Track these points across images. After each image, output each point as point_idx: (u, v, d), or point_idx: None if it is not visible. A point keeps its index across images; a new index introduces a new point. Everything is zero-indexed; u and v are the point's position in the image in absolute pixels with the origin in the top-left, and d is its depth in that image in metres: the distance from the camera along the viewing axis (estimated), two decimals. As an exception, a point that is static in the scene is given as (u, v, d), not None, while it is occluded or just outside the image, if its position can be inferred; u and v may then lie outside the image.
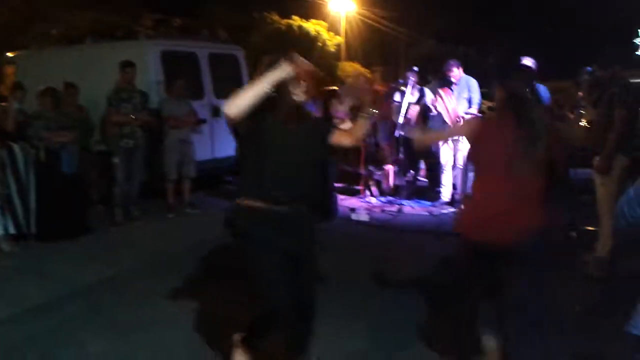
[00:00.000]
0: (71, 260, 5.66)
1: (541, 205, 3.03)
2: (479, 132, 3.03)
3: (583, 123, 7.99)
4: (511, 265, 2.93)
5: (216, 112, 8.64)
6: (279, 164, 2.84)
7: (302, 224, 2.96)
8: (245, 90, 2.69)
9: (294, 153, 2.88)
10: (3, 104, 6.69)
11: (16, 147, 6.25)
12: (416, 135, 3.37)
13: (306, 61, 2.88)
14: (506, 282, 2.96)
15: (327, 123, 3.24)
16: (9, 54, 10.47)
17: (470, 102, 7.27)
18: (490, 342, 3.02)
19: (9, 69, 10.05)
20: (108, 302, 4.59)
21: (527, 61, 6.36)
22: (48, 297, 4.70)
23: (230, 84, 9.31)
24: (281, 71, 2.73)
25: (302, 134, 2.92)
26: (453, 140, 7.33)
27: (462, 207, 3.35)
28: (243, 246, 3.00)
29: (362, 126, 3.00)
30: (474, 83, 7.37)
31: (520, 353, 3.08)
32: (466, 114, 7.19)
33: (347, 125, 9.51)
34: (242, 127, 2.82)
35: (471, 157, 3.23)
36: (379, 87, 7.53)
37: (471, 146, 3.12)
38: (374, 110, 2.94)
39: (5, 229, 6.13)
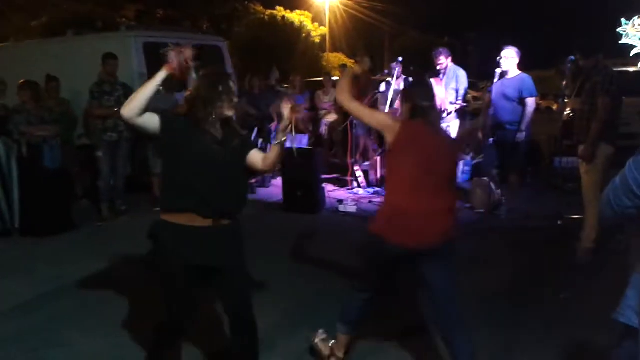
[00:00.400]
0: (57, 256, 5.60)
1: (453, 209, 3.25)
2: (401, 133, 3.05)
3: (567, 112, 8.07)
4: (432, 264, 3.12)
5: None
6: (199, 177, 2.79)
7: (223, 238, 2.89)
8: (137, 91, 2.78)
9: (216, 167, 2.82)
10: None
11: (-2, 142, 6.18)
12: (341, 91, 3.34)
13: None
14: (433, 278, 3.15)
15: (250, 142, 3.16)
16: (-12, 47, 10.28)
17: (457, 92, 7.25)
18: None
19: (-11, 63, 9.88)
20: (96, 299, 4.54)
21: (510, 50, 6.36)
22: (35, 294, 4.66)
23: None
24: (164, 72, 2.82)
25: (226, 149, 2.86)
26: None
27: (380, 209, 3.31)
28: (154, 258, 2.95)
29: (276, 153, 2.92)
30: (462, 74, 7.33)
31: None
32: (452, 104, 7.19)
33: (332, 116, 9.53)
34: (158, 140, 2.86)
35: (389, 157, 3.24)
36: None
37: (391, 146, 3.11)
38: (286, 134, 2.89)
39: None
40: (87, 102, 7.03)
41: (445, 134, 3.62)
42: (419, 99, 3.15)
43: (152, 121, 2.82)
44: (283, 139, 2.90)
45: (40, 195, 6.24)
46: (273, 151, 2.94)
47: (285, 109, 2.89)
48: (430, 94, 3.22)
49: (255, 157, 2.97)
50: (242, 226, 3.05)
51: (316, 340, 3.56)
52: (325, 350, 3.50)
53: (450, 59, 7.38)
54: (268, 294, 4.54)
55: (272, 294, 4.57)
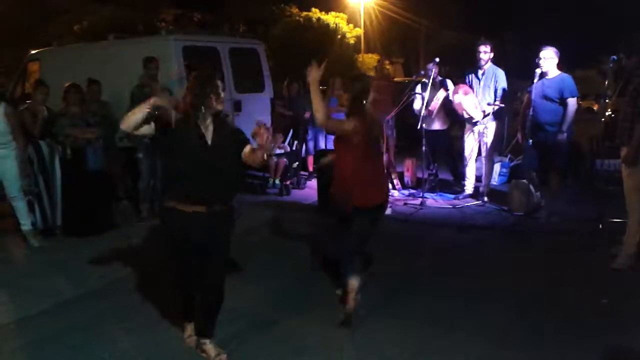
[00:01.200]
0: (99, 255, 5.71)
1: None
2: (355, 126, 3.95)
3: (608, 112, 7.90)
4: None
5: (237, 106, 8.68)
6: (192, 168, 3.34)
7: (214, 222, 3.42)
8: (132, 112, 3.30)
9: (206, 159, 3.36)
10: (28, 101, 6.77)
11: (43, 144, 6.36)
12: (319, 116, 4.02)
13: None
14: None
15: (244, 137, 3.59)
16: (33, 51, 10.58)
17: (495, 92, 7.13)
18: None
19: (33, 66, 10.17)
20: (136, 297, 4.64)
21: (549, 50, 6.25)
22: (77, 292, 4.78)
23: (251, 78, 9.38)
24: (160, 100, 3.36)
25: (219, 142, 3.42)
26: (478, 133, 7.25)
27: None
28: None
29: (262, 151, 3.40)
30: (501, 74, 7.18)
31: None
32: (489, 105, 7.09)
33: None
34: (155, 139, 3.46)
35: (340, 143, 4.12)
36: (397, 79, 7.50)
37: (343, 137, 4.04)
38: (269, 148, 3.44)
39: (34, 224, 6.26)
40: (129, 105, 7.16)
41: None
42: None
43: (147, 128, 3.35)
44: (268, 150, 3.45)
45: (82, 196, 6.39)
46: (257, 153, 3.44)
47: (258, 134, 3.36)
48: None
49: (249, 151, 3.49)
50: (234, 210, 3.62)
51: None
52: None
53: (491, 55, 7.25)
54: (299, 295, 4.57)
55: (302, 294, 4.60)
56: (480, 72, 7.22)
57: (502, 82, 7.14)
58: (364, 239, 4.14)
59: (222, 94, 3.43)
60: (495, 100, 7.10)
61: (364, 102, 4.10)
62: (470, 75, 7.38)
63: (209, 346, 3.61)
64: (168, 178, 3.54)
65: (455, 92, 7.26)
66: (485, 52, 7.15)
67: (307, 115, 8.83)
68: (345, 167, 4.07)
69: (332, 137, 9.21)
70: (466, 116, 7.20)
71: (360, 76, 4.73)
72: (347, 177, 4.03)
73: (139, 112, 3.27)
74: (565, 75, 6.28)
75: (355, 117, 4.03)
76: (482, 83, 7.17)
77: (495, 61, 7.39)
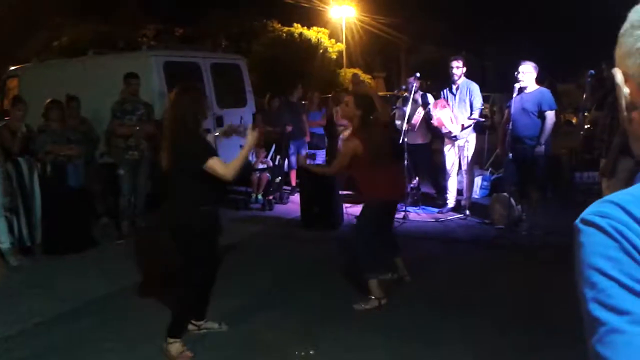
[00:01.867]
0: (78, 274, 5.66)
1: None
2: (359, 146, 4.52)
3: (586, 125, 8.02)
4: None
5: (219, 122, 8.66)
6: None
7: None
8: (238, 162, 3.77)
9: None
10: (6, 118, 6.70)
11: (21, 160, 6.28)
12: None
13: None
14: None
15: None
16: (11, 67, 10.49)
17: (472, 106, 7.20)
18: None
19: (12, 82, 10.07)
20: (116, 316, 4.58)
21: (527, 65, 6.34)
22: (57, 312, 4.70)
23: (233, 93, 9.38)
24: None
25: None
26: (458, 147, 7.31)
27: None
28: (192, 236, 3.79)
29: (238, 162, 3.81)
30: (475, 87, 7.27)
31: None
32: (469, 118, 7.16)
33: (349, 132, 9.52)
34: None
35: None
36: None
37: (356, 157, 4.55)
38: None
39: (12, 242, 6.16)
40: (110, 121, 7.13)
41: None
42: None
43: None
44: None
45: (62, 214, 6.31)
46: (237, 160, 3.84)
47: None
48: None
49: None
50: None
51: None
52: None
53: (464, 69, 7.33)
54: (284, 309, 4.55)
55: (287, 308, 4.58)
56: (454, 87, 7.29)
57: (477, 96, 7.22)
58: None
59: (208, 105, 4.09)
60: (471, 113, 7.17)
61: (371, 117, 4.70)
62: (444, 91, 7.46)
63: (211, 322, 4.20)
64: (205, 186, 3.80)
65: (434, 106, 7.33)
66: (457, 67, 7.24)
67: (289, 128, 8.84)
68: (362, 176, 4.74)
69: (313, 151, 9.31)
70: (445, 131, 7.26)
71: (367, 94, 5.42)
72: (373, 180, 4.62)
73: (244, 155, 3.88)
74: (544, 89, 6.38)
75: (364, 131, 4.58)
76: (457, 97, 7.24)
77: (474, 76, 7.47)
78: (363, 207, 4.80)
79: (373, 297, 4.58)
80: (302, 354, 3.76)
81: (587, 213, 0.78)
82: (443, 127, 7.22)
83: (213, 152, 3.76)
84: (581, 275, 0.77)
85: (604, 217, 0.76)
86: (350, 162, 4.64)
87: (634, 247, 0.72)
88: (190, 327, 4.12)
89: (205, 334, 4.13)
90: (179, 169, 3.74)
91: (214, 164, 3.66)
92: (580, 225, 0.78)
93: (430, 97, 7.90)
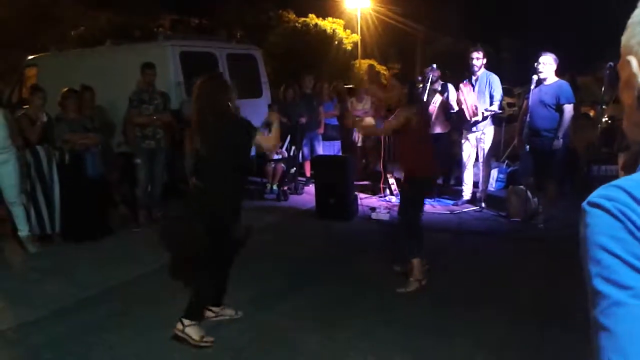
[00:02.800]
0: (96, 261, 5.72)
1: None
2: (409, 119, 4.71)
3: (605, 119, 7.93)
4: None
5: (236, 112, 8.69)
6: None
7: None
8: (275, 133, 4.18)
9: None
10: (24, 107, 6.76)
11: (40, 149, 6.34)
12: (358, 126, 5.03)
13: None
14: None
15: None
16: (30, 57, 10.58)
17: (492, 98, 7.16)
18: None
19: (30, 72, 10.17)
20: (133, 303, 4.62)
21: (548, 56, 6.27)
22: (74, 299, 4.76)
23: (248, 84, 9.39)
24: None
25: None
26: (476, 138, 7.27)
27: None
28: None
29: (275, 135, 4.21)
30: (495, 79, 7.22)
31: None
32: (486, 110, 7.12)
33: (368, 121, 9.54)
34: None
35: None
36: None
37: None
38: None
39: (30, 230, 6.24)
40: (126, 111, 7.18)
41: None
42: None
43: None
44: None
45: (80, 202, 6.38)
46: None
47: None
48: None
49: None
50: None
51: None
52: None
53: (484, 60, 7.28)
54: (298, 299, 4.57)
55: (300, 298, 4.60)
56: (474, 78, 7.24)
57: (497, 87, 7.16)
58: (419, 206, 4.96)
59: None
60: (491, 105, 7.12)
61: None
62: (464, 82, 7.41)
63: (228, 309, 4.27)
64: (232, 170, 3.93)
65: (461, 92, 7.26)
66: (477, 59, 7.18)
67: (302, 120, 8.84)
68: (408, 149, 4.87)
69: (327, 142, 9.31)
70: (472, 112, 7.16)
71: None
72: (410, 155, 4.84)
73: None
74: (563, 81, 6.31)
75: (407, 108, 4.78)
76: (476, 89, 7.19)
77: (491, 67, 7.41)
78: (408, 185, 4.95)
79: (412, 279, 4.73)
80: None
81: (594, 196, 0.83)
82: (472, 109, 7.13)
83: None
84: (587, 253, 0.82)
85: (610, 199, 0.81)
86: (397, 133, 4.89)
87: (637, 227, 0.78)
88: (208, 313, 4.16)
89: (218, 323, 4.15)
90: (217, 154, 3.89)
91: (260, 138, 4.00)
92: (587, 207, 0.83)
93: (450, 87, 7.86)
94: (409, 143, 4.83)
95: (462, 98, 7.20)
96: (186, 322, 3.82)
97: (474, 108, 7.09)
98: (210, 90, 3.85)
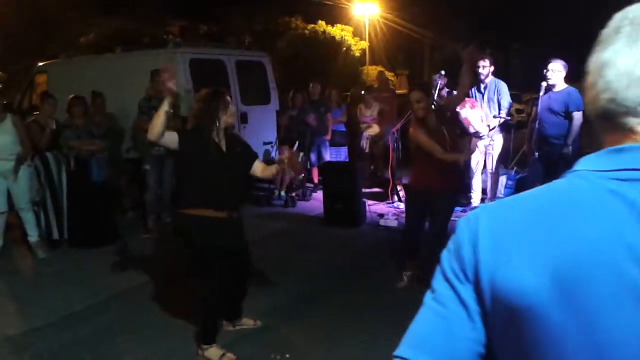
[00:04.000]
0: (105, 267, 5.73)
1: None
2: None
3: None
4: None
5: (244, 118, 8.72)
6: (214, 180, 3.62)
7: (235, 226, 3.80)
8: (154, 120, 3.51)
9: (224, 171, 3.65)
10: (35, 113, 6.81)
11: (49, 155, 6.39)
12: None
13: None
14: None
15: (252, 152, 4.00)
16: (40, 63, 10.66)
17: (499, 105, 7.14)
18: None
19: (40, 78, 10.24)
20: (142, 309, 4.64)
21: (557, 63, 6.25)
22: (83, 304, 4.78)
23: (257, 90, 9.42)
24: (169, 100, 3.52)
25: (231, 155, 3.73)
26: (484, 145, 7.25)
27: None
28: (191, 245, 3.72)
29: (273, 171, 3.98)
30: (503, 86, 7.20)
31: None
32: (495, 117, 7.10)
33: (373, 130, 9.54)
34: (178, 152, 3.65)
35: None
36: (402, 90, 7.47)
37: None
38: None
39: (40, 235, 6.28)
40: (136, 117, 7.22)
41: None
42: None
43: (171, 139, 3.58)
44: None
45: (87, 208, 6.41)
46: (272, 168, 3.97)
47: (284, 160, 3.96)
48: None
49: (257, 166, 3.91)
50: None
51: None
52: None
53: (492, 68, 7.27)
54: (305, 306, 4.56)
55: (307, 305, 4.59)
56: (482, 86, 7.23)
57: (505, 94, 7.14)
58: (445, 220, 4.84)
59: (232, 108, 3.78)
60: (499, 112, 7.10)
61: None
62: (472, 90, 7.38)
63: (245, 318, 4.24)
64: (190, 188, 3.73)
65: (462, 106, 7.23)
66: (484, 67, 7.17)
67: (312, 120, 8.82)
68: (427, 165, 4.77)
69: (334, 148, 9.30)
70: (472, 130, 7.19)
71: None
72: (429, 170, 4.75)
73: (161, 113, 3.47)
74: (572, 88, 6.28)
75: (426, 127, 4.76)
76: (485, 97, 7.17)
77: (502, 73, 7.40)
78: (451, 199, 4.99)
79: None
80: (278, 357, 3.77)
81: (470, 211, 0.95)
82: (470, 127, 7.15)
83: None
84: None
85: (468, 216, 0.92)
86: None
87: (460, 244, 0.90)
88: (228, 327, 4.17)
89: (224, 333, 4.15)
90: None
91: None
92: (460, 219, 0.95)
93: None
94: (418, 155, 4.90)
95: (465, 115, 7.14)
96: (204, 346, 3.77)
97: (474, 124, 7.07)
98: (202, 103, 3.71)
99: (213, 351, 3.75)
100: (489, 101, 7.15)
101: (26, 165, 5.98)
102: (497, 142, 7.24)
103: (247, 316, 4.26)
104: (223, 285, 3.80)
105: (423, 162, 4.83)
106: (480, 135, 7.18)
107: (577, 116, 6.13)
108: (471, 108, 7.10)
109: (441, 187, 4.72)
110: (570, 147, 6.15)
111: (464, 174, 8.05)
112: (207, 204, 3.61)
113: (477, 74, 7.20)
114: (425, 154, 4.75)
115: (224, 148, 3.70)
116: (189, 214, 3.65)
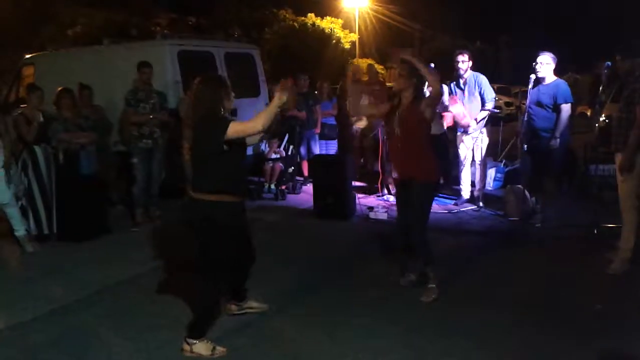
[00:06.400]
0: (93, 260, 5.71)
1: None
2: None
3: (602, 118, 7.94)
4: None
5: (233, 111, 8.67)
6: (233, 166, 3.76)
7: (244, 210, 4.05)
8: (267, 113, 3.62)
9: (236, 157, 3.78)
10: (22, 106, 6.74)
11: (37, 149, 6.33)
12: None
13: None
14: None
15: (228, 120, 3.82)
16: (27, 55, 10.56)
17: (483, 98, 7.13)
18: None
19: (27, 71, 10.14)
20: (131, 303, 4.62)
21: (546, 56, 6.26)
22: (73, 297, 4.76)
23: (246, 83, 9.37)
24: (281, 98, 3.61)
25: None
26: (472, 138, 7.26)
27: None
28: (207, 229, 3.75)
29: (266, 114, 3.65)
30: (483, 79, 7.15)
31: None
32: (482, 111, 7.10)
33: (362, 123, 9.54)
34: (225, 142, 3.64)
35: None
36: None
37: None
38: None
39: (28, 230, 6.23)
40: (123, 110, 7.17)
41: None
42: None
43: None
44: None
45: (76, 201, 6.36)
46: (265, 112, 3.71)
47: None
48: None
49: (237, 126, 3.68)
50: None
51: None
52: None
53: (470, 63, 7.19)
54: (297, 298, 4.57)
55: (299, 298, 4.60)
56: (461, 81, 7.21)
57: (487, 87, 7.12)
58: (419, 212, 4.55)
59: (232, 93, 3.84)
60: (484, 106, 7.10)
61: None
62: (452, 85, 7.37)
63: (250, 300, 4.33)
64: (220, 174, 3.71)
65: (453, 102, 7.24)
66: (463, 61, 7.13)
67: (301, 114, 8.81)
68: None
69: (324, 142, 9.28)
70: (463, 123, 7.20)
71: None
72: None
73: (273, 110, 3.62)
74: (561, 81, 6.31)
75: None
76: (465, 92, 7.16)
77: (490, 67, 7.39)
78: (426, 188, 4.55)
79: (433, 285, 4.58)
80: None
81: None
82: (462, 122, 7.16)
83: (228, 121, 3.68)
84: None
85: None
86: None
87: None
88: (234, 307, 4.26)
89: (217, 324, 4.15)
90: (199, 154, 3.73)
91: (235, 125, 3.60)
92: None
93: (444, 88, 7.84)
94: (426, 140, 4.58)
95: (455, 111, 7.16)
96: (191, 341, 3.73)
97: (462, 116, 7.09)
98: (203, 94, 3.73)
99: (202, 346, 3.73)
100: (470, 95, 7.13)
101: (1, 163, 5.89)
102: (485, 134, 7.25)
103: (252, 298, 4.33)
104: (229, 272, 4.01)
105: (393, 148, 4.68)
106: (468, 130, 7.20)
107: (565, 108, 6.16)
108: (452, 104, 7.13)
109: (415, 175, 4.46)
110: (559, 140, 6.18)
111: (450, 165, 8.10)
112: (227, 190, 3.73)
113: (457, 69, 7.20)
114: (394, 140, 4.56)
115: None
116: (209, 200, 3.70)
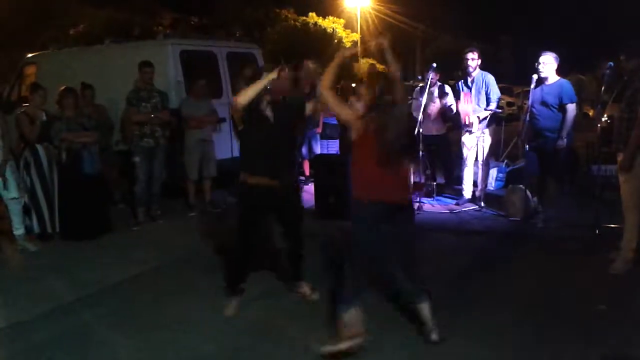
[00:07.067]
0: (95, 259, 5.72)
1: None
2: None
3: (604, 118, 7.92)
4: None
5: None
6: (268, 151, 4.18)
7: (285, 194, 4.33)
8: (251, 87, 4.00)
9: (274, 142, 4.22)
10: (24, 105, 6.75)
11: (39, 148, 6.34)
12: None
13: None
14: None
15: (301, 106, 4.49)
16: (29, 55, 10.57)
17: (488, 98, 7.13)
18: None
19: (29, 70, 10.15)
20: (132, 302, 4.63)
21: (548, 56, 6.26)
22: (74, 296, 4.76)
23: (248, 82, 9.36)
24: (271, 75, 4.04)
25: (279, 126, 4.23)
26: (475, 137, 7.26)
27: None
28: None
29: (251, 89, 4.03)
30: (490, 78, 7.18)
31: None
32: (485, 110, 7.10)
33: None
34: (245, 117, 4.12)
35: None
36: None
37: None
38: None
39: (30, 229, 6.24)
40: (125, 109, 7.18)
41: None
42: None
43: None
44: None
45: (78, 200, 6.37)
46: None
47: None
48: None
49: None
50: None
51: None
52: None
53: (479, 61, 7.21)
54: (297, 298, 4.57)
55: (299, 297, 4.60)
56: (469, 79, 7.21)
57: (493, 87, 7.13)
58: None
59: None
60: (488, 105, 7.10)
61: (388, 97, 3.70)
62: (459, 83, 7.38)
63: (304, 285, 4.57)
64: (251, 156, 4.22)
65: (464, 100, 7.24)
66: (472, 59, 7.14)
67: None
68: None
69: (326, 141, 9.26)
70: (468, 122, 7.19)
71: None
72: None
73: (260, 85, 4.01)
74: (564, 80, 6.29)
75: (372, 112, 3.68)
76: (472, 90, 7.17)
77: (491, 66, 7.39)
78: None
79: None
80: None
81: None
82: (467, 119, 7.16)
83: None
84: None
85: None
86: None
87: None
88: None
89: (214, 320, 4.14)
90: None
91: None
92: None
93: (447, 88, 7.85)
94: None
95: (462, 109, 7.18)
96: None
97: (466, 116, 7.11)
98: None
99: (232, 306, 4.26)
100: (477, 94, 7.14)
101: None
102: (487, 134, 7.25)
103: (307, 284, 4.60)
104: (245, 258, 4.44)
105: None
106: (471, 129, 7.20)
107: (571, 108, 6.15)
108: (466, 103, 7.13)
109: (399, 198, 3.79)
110: (565, 140, 6.17)
111: (453, 164, 8.10)
112: (262, 173, 4.14)
113: (466, 67, 7.20)
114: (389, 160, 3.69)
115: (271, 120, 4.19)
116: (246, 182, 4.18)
